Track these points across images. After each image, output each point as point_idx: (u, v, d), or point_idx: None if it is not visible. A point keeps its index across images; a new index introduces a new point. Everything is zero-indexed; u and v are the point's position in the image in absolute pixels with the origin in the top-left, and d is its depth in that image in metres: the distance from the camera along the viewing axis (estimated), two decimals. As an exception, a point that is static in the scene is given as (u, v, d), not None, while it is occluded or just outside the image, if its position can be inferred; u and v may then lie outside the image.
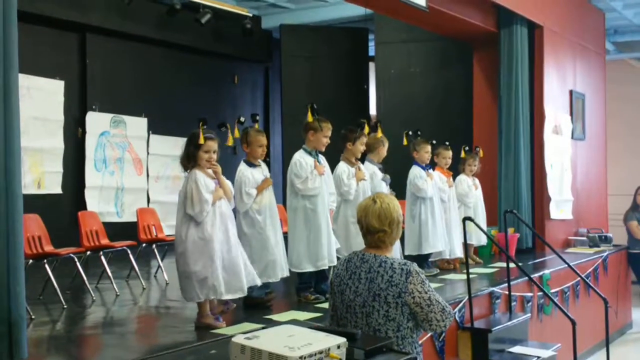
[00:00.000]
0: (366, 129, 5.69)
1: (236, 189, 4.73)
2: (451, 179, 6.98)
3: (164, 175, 10.49)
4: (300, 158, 5.16)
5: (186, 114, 10.35)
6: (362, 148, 5.74)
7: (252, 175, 4.88)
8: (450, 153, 6.95)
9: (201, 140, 4.26)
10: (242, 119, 4.92)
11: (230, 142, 4.78)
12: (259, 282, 4.52)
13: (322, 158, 5.30)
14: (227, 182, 4.44)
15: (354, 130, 5.66)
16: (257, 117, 5.14)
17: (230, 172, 4.82)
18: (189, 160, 4.32)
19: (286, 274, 5.04)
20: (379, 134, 6.15)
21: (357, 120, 5.78)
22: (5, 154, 3.31)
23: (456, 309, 5.04)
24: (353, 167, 5.65)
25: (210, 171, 4.35)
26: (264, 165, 5.04)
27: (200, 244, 4.21)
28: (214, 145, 4.34)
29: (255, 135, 4.91)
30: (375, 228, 3.14)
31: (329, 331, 2.86)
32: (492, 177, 8.31)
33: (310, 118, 5.20)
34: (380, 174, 6.09)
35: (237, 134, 4.91)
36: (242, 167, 4.91)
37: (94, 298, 5.73)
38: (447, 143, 6.98)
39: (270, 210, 4.95)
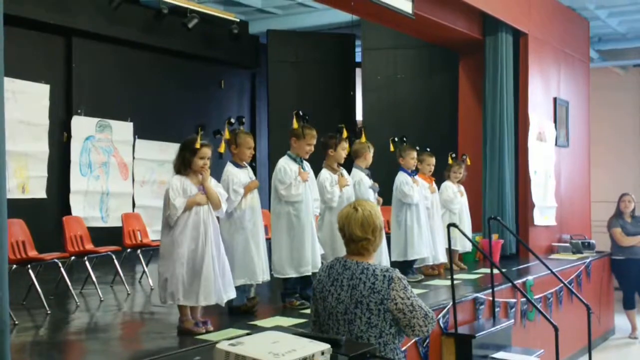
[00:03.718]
0: (344, 134, 5.66)
1: (223, 188, 4.74)
2: (434, 185, 7.00)
3: (149, 180, 10.46)
4: (285, 164, 5.17)
5: (172, 119, 10.36)
6: (344, 153, 5.69)
7: (239, 175, 4.91)
8: (433, 160, 6.96)
9: (197, 145, 4.31)
10: (232, 120, 4.97)
11: (222, 149, 4.81)
12: (222, 301, 4.40)
13: (306, 164, 5.30)
14: (216, 191, 4.42)
15: (334, 136, 5.61)
16: (243, 120, 5.17)
17: (216, 175, 4.83)
18: (185, 166, 4.35)
19: (267, 278, 5.03)
20: (363, 139, 6.13)
21: (338, 126, 5.76)
22: (-11, 158, 3.29)
23: (440, 315, 5.07)
24: (335, 173, 5.63)
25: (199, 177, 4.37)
26: (249, 168, 5.07)
27: (169, 247, 4.28)
28: (208, 152, 4.39)
29: (244, 137, 4.97)
30: (359, 237, 3.14)
31: (313, 337, 2.87)
32: (477, 184, 8.34)
33: (295, 125, 5.20)
34: (367, 181, 6.03)
35: (227, 135, 4.95)
36: (229, 167, 4.95)
37: (78, 303, 5.70)
38: (428, 149, 7.00)
39: (254, 212, 4.97)
